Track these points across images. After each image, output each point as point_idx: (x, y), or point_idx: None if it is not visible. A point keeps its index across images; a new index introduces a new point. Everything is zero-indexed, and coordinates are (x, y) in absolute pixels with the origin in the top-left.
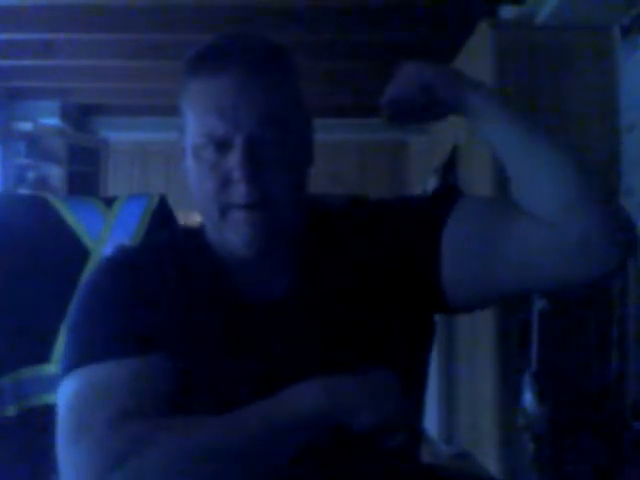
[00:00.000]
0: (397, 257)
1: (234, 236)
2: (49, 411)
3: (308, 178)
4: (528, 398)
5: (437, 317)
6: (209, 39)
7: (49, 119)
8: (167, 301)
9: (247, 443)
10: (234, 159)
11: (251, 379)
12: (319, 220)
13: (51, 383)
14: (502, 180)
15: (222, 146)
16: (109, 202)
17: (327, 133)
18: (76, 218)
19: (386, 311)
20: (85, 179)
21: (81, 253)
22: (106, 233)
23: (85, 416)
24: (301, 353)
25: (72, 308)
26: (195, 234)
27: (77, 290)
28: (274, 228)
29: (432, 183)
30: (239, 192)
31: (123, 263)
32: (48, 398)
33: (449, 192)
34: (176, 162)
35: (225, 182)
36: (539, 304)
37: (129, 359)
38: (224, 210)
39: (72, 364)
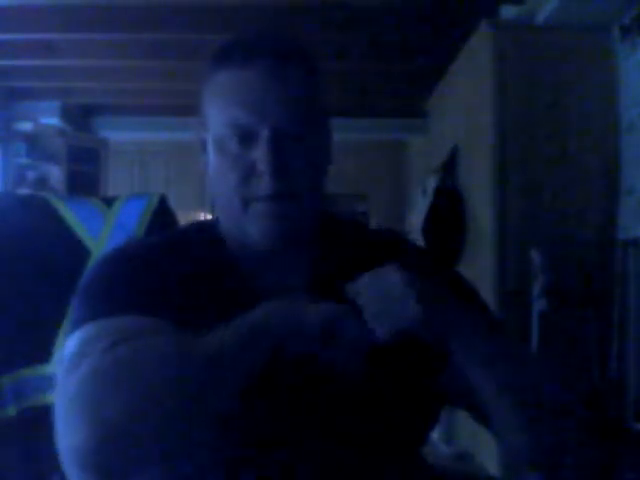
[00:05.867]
0: None
1: (255, 229)
2: (49, 411)
3: (327, 179)
4: None
5: None
6: (234, 35)
7: (49, 119)
8: (175, 295)
9: (215, 350)
10: (259, 151)
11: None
12: (336, 231)
13: (51, 383)
14: (502, 180)
15: (247, 138)
16: (109, 202)
17: None
18: (76, 218)
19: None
20: (85, 179)
21: (81, 253)
22: (106, 233)
23: (85, 348)
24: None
25: (84, 276)
26: (208, 229)
27: (90, 267)
28: (294, 222)
29: (432, 183)
30: (264, 184)
31: (133, 254)
32: (48, 398)
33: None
34: (176, 162)
35: (249, 174)
36: (539, 304)
37: (141, 317)
38: (246, 202)
39: (80, 320)
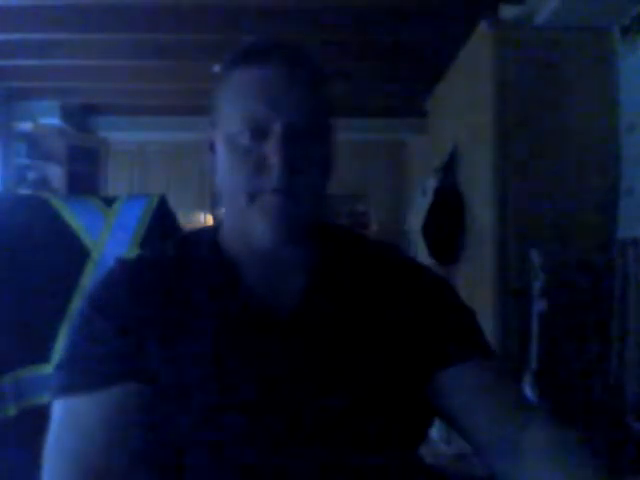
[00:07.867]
0: (408, 324)
1: (260, 223)
2: (49, 411)
3: (329, 183)
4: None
5: None
6: (247, 41)
7: (49, 119)
8: (166, 314)
9: None
10: (271, 145)
11: (248, 395)
12: (338, 244)
13: (51, 383)
14: (502, 180)
15: (259, 132)
16: (109, 202)
17: None
18: (76, 218)
19: (385, 353)
20: (85, 179)
21: (81, 253)
22: (106, 233)
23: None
24: (300, 373)
25: (74, 319)
26: (206, 237)
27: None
28: (299, 220)
29: (432, 183)
30: (272, 177)
31: (122, 277)
32: (48, 398)
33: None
34: (176, 162)
35: (258, 168)
36: (539, 304)
37: (101, 393)
38: (254, 196)
39: (58, 390)
